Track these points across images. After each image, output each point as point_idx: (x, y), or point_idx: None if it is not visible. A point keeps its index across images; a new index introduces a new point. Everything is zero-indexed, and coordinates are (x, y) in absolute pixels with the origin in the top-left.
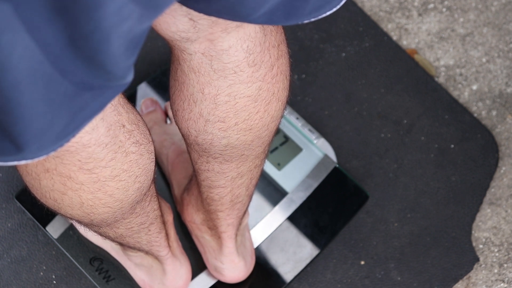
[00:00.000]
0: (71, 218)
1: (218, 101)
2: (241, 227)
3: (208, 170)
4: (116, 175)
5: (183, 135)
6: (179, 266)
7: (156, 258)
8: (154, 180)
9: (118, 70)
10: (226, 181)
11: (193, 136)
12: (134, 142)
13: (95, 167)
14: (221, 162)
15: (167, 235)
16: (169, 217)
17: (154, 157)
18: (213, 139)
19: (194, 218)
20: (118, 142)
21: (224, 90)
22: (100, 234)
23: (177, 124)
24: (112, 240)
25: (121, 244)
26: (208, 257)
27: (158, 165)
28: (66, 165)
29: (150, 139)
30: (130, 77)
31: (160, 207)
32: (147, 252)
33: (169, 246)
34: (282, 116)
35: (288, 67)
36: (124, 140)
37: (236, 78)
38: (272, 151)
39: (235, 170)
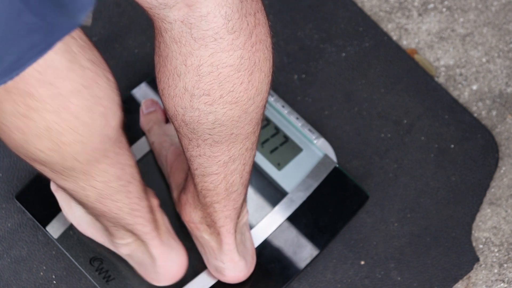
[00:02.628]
0: (42, 163)
1: (201, 72)
2: (240, 225)
3: (200, 156)
4: (77, 90)
5: (171, 118)
6: (169, 250)
7: (143, 242)
8: (123, 128)
9: (72, 4)
10: (218, 166)
11: (180, 115)
12: (88, 59)
13: (55, 78)
14: (211, 144)
15: (155, 220)
16: (154, 201)
17: (115, 88)
18: (200, 115)
19: (192, 217)
20: (72, 52)
21: (206, 60)
22: (80, 199)
23: (164, 105)
24: (96, 213)
25: (106, 227)
26: (209, 258)
27: (158, 167)
28: (25, 79)
29: (107, 67)
30: (80, 18)
31: (144, 190)
32: (133, 233)
33: (158, 229)
34: (267, 92)
35: (267, 37)
36: (77, 52)
37: (217, 46)
38: (272, 151)
39: (226, 153)
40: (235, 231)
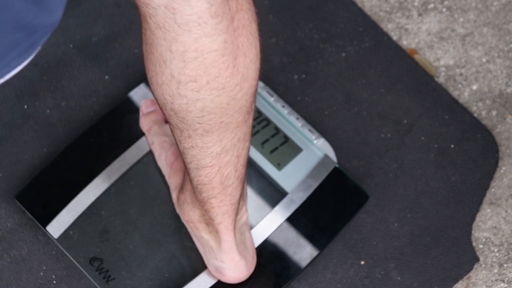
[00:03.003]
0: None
1: (186, 58)
2: (240, 224)
3: (192, 147)
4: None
5: (161, 107)
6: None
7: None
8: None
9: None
10: (211, 158)
11: (169, 103)
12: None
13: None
14: (202, 134)
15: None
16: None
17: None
18: (188, 103)
19: (191, 216)
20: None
21: (190, 45)
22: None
23: (153, 95)
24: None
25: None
26: (209, 258)
27: (158, 167)
28: None
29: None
30: (60, 11)
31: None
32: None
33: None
34: (256, 79)
35: (251, 23)
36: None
37: (201, 31)
38: (272, 151)
39: (218, 144)
40: (234, 229)
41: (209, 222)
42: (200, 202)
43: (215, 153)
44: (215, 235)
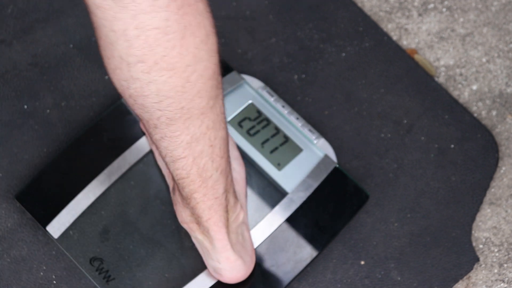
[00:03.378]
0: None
1: (128, 36)
2: (236, 225)
3: (162, 138)
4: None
5: (122, 95)
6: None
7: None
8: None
9: None
10: (183, 149)
11: (125, 89)
12: None
13: None
14: (167, 123)
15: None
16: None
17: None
18: (142, 86)
19: (183, 217)
20: None
21: (129, 22)
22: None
23: (113, 83)
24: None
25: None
26: (206, 259)
27: (158, 167)
28: None
29: None
30: None
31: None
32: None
33: (228, 228)
34: (211, 61)
35: (197, 2)
36: None
37: (136, 7)
38: (272, 151)
39: (186, 132)
40: (227, 228)
41: (199, 220)
42: (186, 200)
43: (185, 143)
44: (207, 235)
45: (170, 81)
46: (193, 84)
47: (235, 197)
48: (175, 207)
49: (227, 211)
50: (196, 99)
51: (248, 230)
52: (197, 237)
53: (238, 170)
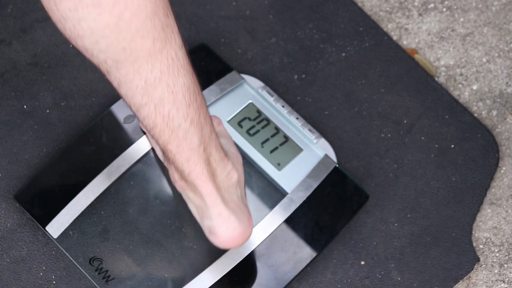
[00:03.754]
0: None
1: None
2: (228, 184)
3: (119, 85)
4: None
5: (68, 39)
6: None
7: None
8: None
9: None
10: (141, 95)
11: (63, 31)
12: None
13: None
14: (116, 67)
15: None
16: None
17: None
18: (74, 26)
19: (174, 176)
20: None
21: None
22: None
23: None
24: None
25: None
26: (202, 219)
27: (159, 166)
28: None
29: None
30: None
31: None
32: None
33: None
34: (150, 1)
35: None
36: None
37: None
38: (272, 151)
39: (138, 77)
40: (214, 182)
41: (183, 176)
42: (165, 154)
43: (141, 88)
44: (196, 191)
45: (100, 19)
46: (128, 23)
47: (222, 153)
48: (168, 170)
49: (209, 164)
50: (137, 40)
51: (243, 191)
52: (189, 196)
53: (238, 168)
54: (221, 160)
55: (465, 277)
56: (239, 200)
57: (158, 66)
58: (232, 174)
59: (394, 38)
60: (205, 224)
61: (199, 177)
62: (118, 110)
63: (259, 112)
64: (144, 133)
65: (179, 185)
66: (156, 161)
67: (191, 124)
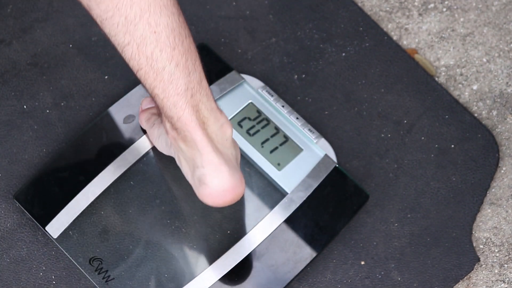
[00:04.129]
0: None
1: None
2: (221, 138)
3: (101, 22)
4: None
5: None
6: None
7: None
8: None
9: None
10: (123, 33)
11: None
12: None
13: None
14: (95, 1)
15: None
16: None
17: None
18: None
19: (166, 126)
20: None
21: None
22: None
23: None
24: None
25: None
26: (193, 173)
27: (159, 166)
28: None
29: None
30: None
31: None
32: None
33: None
34: None
35: None
36: None
37: None
38: (272, 151)
39: (118, 13)
40: (204, 129)
41: (173, 123)
42: (154, 99)
43: (122, 25)
44: (187, 141)
45: None
46: None
47: (215, 104)
48: (162, 122)
49: (199, 111)
50: None
51: (237, 148)
52: (181, 148)
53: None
54: (213, 110)
55: (465, 277)
56: (233, 159)
57: (137, 3)
58: (226, 127)
59: (394, 38)
60: (195, 176)
61: (187, 123)
62: (118, 110)
63: (259, 112)
64: (145, 132)
65: (171, 135)
66: (156, 161)
67: (177, 68)
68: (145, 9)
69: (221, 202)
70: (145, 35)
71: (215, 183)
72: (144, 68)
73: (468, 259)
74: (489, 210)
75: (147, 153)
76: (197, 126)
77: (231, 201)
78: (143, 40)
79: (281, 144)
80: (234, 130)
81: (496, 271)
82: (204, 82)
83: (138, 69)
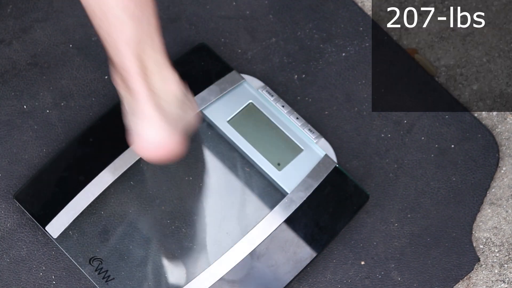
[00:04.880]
0: None
1: None
2: (166, 95)
3: None
4: None
5: None
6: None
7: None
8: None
9: None
10: None
11: None
12: None
13: None
14: None
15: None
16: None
17: None
18: None
19: (112, 72)
20: None
21: None
22: None
23: None
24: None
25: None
26: (133, 124)
27: (158, 168)
28: None
29: None
30: None
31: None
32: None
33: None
34: None
35: None
36: None
37: None
38: (272, 151)
39: None
40: (146, 81)
41: (116, 69)
42: (104, 44)
43: None
44: (127, 88)
45: None
46: None
47: (164, 59)
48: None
49: (142, 61)
50: None
51: (184, 108)
52: (123, 95)
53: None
54: (160, 65)
55: (465, 277)
56: (178, 118)
57: None
58: (171, 84)
59: (394, 38)
60: (133, 127)
61: (128, 71)
62: (118, 110)
63: (259, 112)
64: None
65: (116, 82)
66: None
67: (123, 12)
68: None
69: (152, 156)
70: None
71: (146, 135)
72: (92, 5)
73: (468, 259)
74: (489, 210)
75: None
76: (137, 75)
77: (163, 157)
78: None
79: (281, 144)
80: (234, 130)
81: (496, 271)
82: (156, 36)
83: (86, 7)
